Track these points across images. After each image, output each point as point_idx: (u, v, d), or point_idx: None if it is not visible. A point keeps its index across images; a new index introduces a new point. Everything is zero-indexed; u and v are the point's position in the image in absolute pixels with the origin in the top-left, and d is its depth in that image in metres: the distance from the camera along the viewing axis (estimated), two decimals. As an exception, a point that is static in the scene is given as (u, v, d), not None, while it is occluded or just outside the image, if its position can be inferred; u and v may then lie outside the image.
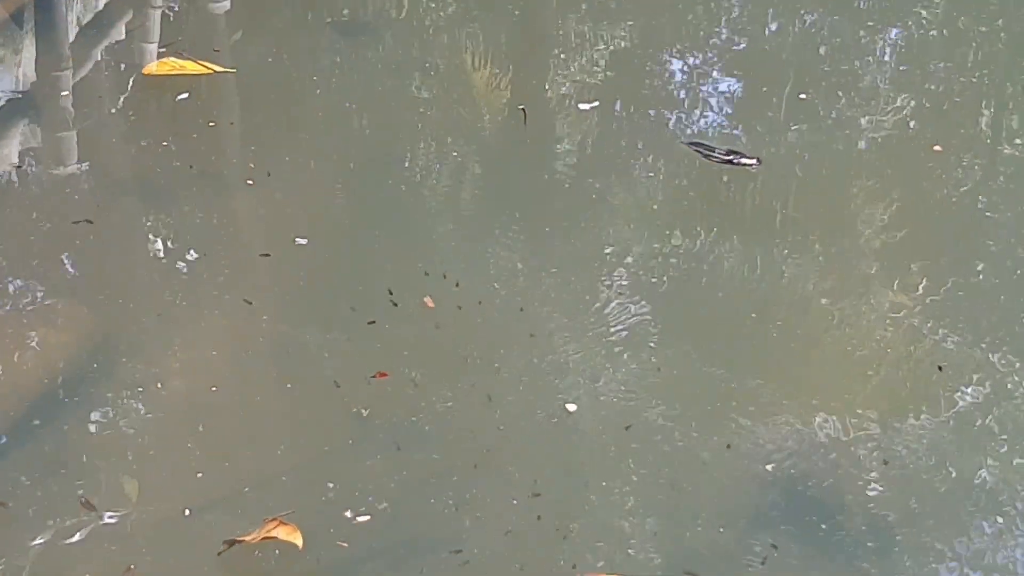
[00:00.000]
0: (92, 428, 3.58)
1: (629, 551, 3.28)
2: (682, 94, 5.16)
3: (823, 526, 3.32)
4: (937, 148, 4.73)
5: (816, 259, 4.22)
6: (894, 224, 4.42)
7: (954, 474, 3.46)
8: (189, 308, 3.95)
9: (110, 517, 3.36)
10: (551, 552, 3.27)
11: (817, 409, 3.65)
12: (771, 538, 3.29)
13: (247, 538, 3.32)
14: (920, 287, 4.09)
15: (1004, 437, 3.55)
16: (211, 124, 4.75)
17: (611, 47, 5.47)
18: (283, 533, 3.34)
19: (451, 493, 3.44)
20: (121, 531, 3.33)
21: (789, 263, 4.18)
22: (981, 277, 4.14)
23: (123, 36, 5.26)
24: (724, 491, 3.43)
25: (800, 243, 4.29)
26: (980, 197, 4.54)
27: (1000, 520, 3.35)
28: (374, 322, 3.91)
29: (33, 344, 3.84)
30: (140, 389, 3.69)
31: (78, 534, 3.32)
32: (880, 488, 3.42)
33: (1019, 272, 4.16)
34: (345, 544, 3.32)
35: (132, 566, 3.23)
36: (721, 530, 3.33)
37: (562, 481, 3.47)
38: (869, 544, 3.27)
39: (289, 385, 3.74)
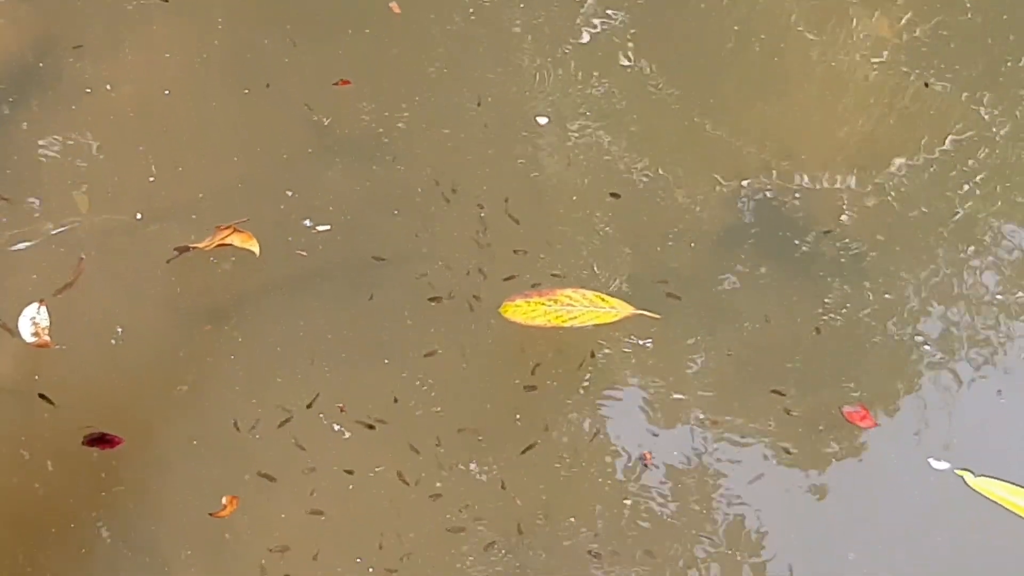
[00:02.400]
0: (38, 129, 3.56)
1: (595, 266, 3.32)
2: None
3: (796, 241, 3.36)
4: None
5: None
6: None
7: (925, 207, 3.49)
8: (140, 6, 3.89)
9: (60, 225, 3.38)
10: (512, 265, 3.31)
11: (794, 135, 3.66)
12: (743, 254, 3.34)
13: (200, 245, 3.34)
14: (904, 20, 4.05)
15: (980, 177, 3.57)
16: None
17: None
18: (239, 240, 3.37)
19: (415, 205, 3.46)
20: (71, 235, 3.36)
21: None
22: (969, 16, 4.09)
23: None
24: (695, 211, 3.46)
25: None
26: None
27: (969, 250, 3.40)
28: (337, 27, 3.87)
29: (-25, 42, 3.80)
30: (88, 91, 3.66)
31: (24, 243, 3.35)
32: (851, 214, 3.46)
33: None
34: (304, 253, 3.35)
35: (83, 256, 3.27)
36: (693, 245, 3.37)
37: (529, 196, 3.49)
38: (841, 261, 3.33)
39: (246, 91, 3.71)
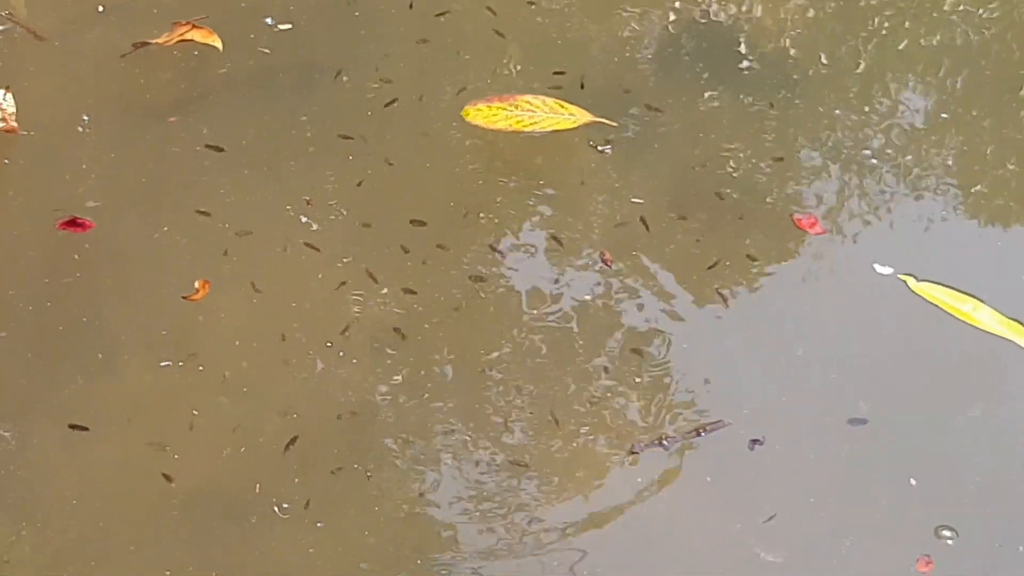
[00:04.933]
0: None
1: (553, 76, 3.46)
2: None
3: (743, 64, 3.50)
4: None
5: None
6: None
7: (879, 21, 3.64)
8: None
9: (15, 18, 3.45)
10: (473, 74, 3.44)
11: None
12: (693, 72, 3.49)
13: (159, 40, 3.43)
14: None
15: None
16: None
17: None
18: (199, 36, 3.45)
19: (377, 8, 3.56)
20: (33, 25, 3.43)
21: None
22: None
23: None
24: (642, 35, 3.60)
25: None
26: None
27: (918, 67, 3.58)
28: None
29: None
30: None
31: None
32: (799, 32, 3.61)
33: None
34: (267, 51, 3.45)
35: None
36: (649, 59, 3.52)
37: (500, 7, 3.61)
38: (794, 78, 3.48)
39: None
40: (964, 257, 3.15)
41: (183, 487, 2.72)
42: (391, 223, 3.13)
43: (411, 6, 3.56)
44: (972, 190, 3.28)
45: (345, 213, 3.14)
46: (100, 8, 3.49)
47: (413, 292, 3.02)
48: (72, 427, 2.76)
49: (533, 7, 3.60)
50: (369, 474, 2.76)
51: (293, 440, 2.78)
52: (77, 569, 2.63)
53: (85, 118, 3.26)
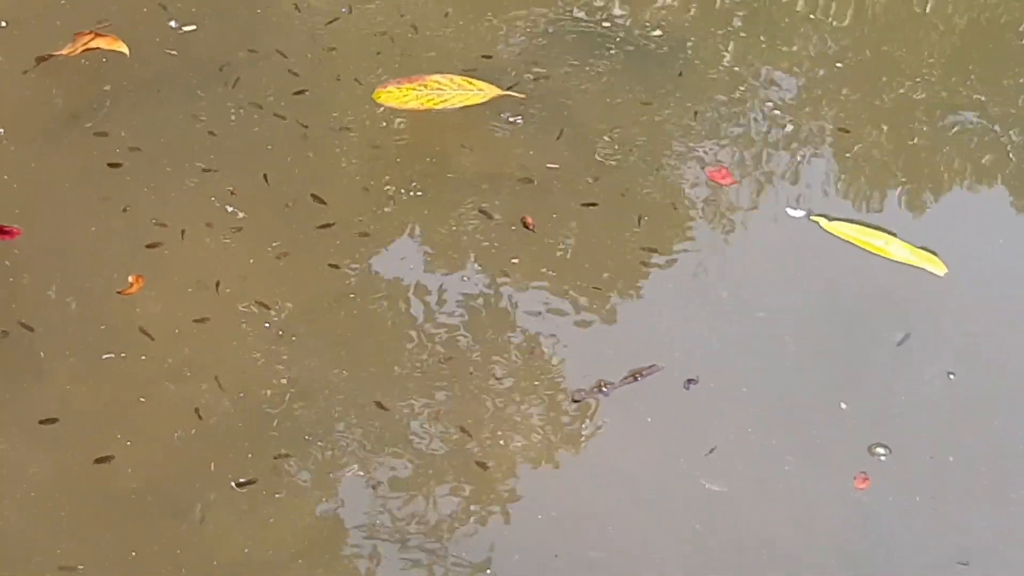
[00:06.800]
0: None
1: (460, 58, 3.61)
2: None
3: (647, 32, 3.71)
4: None
5: None
6: None
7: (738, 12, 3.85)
8: None
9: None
10: (380, 61, 3.59)
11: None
12: (607, 39, 3.66)
13: (63, 52, 3.53)
14: None
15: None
16: None
17: None
18: (105, 43, 3.56)
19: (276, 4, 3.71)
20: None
21: None
22: None
23: None
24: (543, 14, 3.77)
25: None
26: None
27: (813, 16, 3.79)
28: None
29: None
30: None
31: None
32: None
33: None
34: (174, 52, 3.56)
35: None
36: (569, 39, 3.69)
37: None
38: (688, 43, 3.68)
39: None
40: (872, 196, 3.35)
41: (138, 473, 2.81)
42: (312, 205, 3.26)
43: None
44: (872, 133, 3.48)
45: (268, 199, 3.26)
46: (3, 23, 3.58)
47: (336, 267, 3.15)
48: (42, 422, 2.86)
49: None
50: (316, 445, 2.88)
51: (241, 419, 2.89)
52: (38, 559, 2.73)
53: (1, 131, 3.36)
